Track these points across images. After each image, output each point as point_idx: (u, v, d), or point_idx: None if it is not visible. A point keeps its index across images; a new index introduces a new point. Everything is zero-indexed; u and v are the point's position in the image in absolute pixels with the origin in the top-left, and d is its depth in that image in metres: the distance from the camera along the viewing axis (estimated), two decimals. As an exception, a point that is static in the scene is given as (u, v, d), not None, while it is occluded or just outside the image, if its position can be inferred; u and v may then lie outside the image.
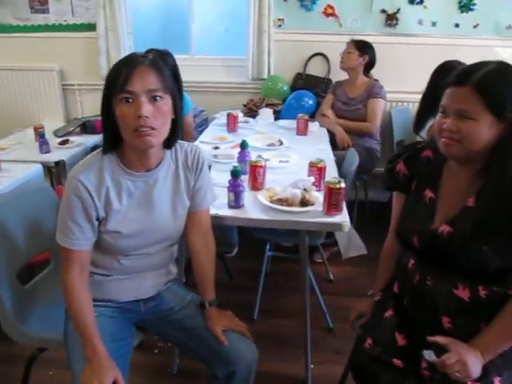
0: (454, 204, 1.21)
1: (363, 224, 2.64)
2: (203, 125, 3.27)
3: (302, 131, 2.70)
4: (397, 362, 1.22)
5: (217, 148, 2.31)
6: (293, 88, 3.40)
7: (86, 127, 3.26)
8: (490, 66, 1.12)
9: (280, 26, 3.42)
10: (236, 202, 1.63)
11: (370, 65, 3.05)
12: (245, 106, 3.23)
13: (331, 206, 1.56)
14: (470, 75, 1.11)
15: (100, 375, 1.15)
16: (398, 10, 3.31)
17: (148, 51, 2.53)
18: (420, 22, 3.35)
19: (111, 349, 1.23)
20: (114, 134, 1.19)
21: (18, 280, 1.46)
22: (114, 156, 1.25)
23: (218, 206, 1.64)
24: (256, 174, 1.78)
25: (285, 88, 3.37)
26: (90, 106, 3.68)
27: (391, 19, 3.34)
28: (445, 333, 1.20)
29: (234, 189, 1.62)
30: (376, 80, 3.10)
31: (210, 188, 1.43)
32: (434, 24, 3.35)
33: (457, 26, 3.34)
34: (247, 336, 1.40)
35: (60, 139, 3.08)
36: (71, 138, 3.20)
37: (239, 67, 3.51)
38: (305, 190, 1.70)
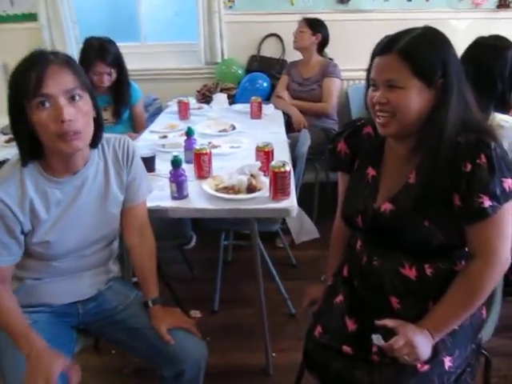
0: (396, 181, 1.17)
1: (327, 205, 2.60)
2: (157, 113, 3.14)
3: (255, 114, 2.63)
4: (346, 349, 1.18)
5: (164, 137, 2.22)
6: (248, 71, 3.32)
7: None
8: (415, 32, 1.08)
9: (231, 7, 3.31)
10: (179, 193, 1.56)
11: (323, 43, 2.99)
12: (198, 92, 3.13)
13: (277, 190, 1.51)
14: (395, 43, 1.06)
15: (45, 369, 1.07)
16: (350, -15, 3.25)
17: (88, 39, 2.44)
18: (372, -3, 3.29)
19: None
20: (31, 142, 1.10)
21: None
22: (35, 164, 1.16)
23: (161, 197, 1.57)
24: (201, 162, 1.71)
25: (239, 71, 3.29)
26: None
27: (344, -5, 3.27)
28: (394, 314, 1.17)
29: (176, 179, 1.55)
30: (330, 59, 3.05)
31: (144, 180, 1.35)
32: (386, -1, 3.30)
33: (409, 0, 3.31)
34: (195, 333, 1.34)
35: (6, 137, 2.92)
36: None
37: (191, 52, 3.40)
38: (252, 175, 1.64)
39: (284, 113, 2.86)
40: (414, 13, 3.32)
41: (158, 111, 3.21)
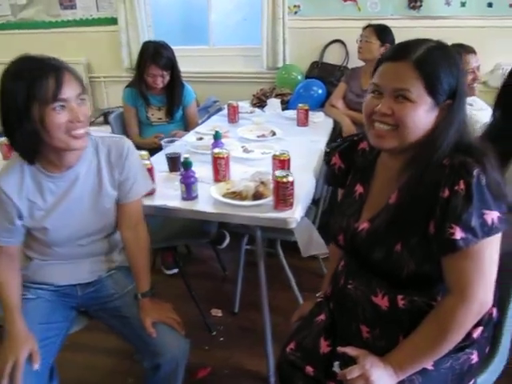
0: (380, 200, 1.10)
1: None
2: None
3: (302, 122, 2.60)
4: (309, 369, 1.15)
5: (201, 139, 2.29)
6: (308, 77, 3.29)
7: (107, 118, 3.38)
8: (431, 44, 1.00)
9: (296, 12, 3.30)
10: (187, 194, 1.61)
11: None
12: (254, 95, 3.17)
13: (279, 200, 1.49)
14: (411, 50, 0.99)
15: (15, 350, 1.21)
16: (423, -10, 3.07)
17: (145, 43, 2.61)
18: (447, 3, 3.08)
19: (39, 330, 1.29)
20: (34, 141, 1.19)
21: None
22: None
23: (174, 196, 1.64)
24: (217, 166, 1.74)
25: (299, 77, 3.27)
26: (115, 97, 3.79)
27: (415, 1, 3.10)
28: (364, 343, 1.11)
29: (185, 180, 1.60)
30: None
31: (140, 178, 1.42)
32: (463, 4, 3.06)
33: (489, 5, 3.03)
34: (178, 330, 1.38)
35: None
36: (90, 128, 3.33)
37: (255, 56, 3.45)
38: (262, 182, 1.64)
39: (337, 122, 2.79)
40: (496, 19, 3.05)
41: (218, 113, 3.32)
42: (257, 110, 2.99)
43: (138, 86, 2.62)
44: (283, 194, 1.48)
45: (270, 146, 2.20)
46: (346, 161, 1.24)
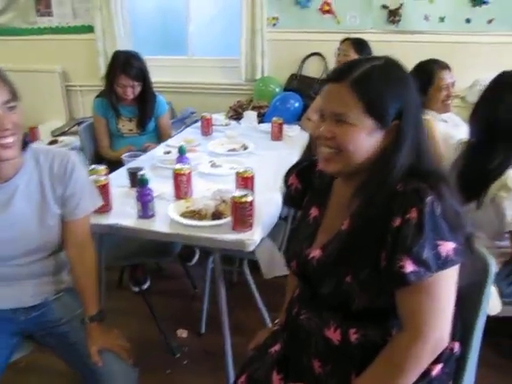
0: (334, 225, 1.03)
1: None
2: (193, 127, 3.20)
3: (275, 136, 2.54)
4: (256, 405, 1.07)
5: (168, 152, 2.22)
6: (286, 90, 3.24)
7: (82, 127, 3.30)
8: (374, 63, 0.94)
9: (275, 24, 3.27)
10: (144, 212, 1.53)
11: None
12: (231, 107, 3.12)
13: (237, 221, 1.42)
14: (350, 71, 0.93)
15: None
16: (401, 5, 3.05)
17: (115, 53, 2.54)
18: (426, 18, 3.06)
19: None
20: None
21: None
22: None
23: (128, 214, 1.56)
24: (179, 182, 1.67)
25: (277, 90, 3.22)
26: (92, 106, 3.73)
27: (394, 15, 3.08)
28: (315, 378, 1.03)
29: (141, 198, 1.52)
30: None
31: (87, 194, 1.34)
32: (441, 19, 3.05)
33: (468, 21, 3.02)
34: (125, 359, 1.30)
35: (50, 139, 3.15)
36: (63, 138, 3.26)
37: (234, 68, 3.40)
38: (224, 201, 1.57)
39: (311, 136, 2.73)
40: (474, 36, 3.03)
41: (193, 124, 3.26)
42: (233, 122, 2.93)
43: (108, 96, 2.54)
44: (241, 214, 1.41)
45: (240, 161, 2.13)
46: (303, 181, 1.18)
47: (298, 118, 2.93)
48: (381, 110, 0.91)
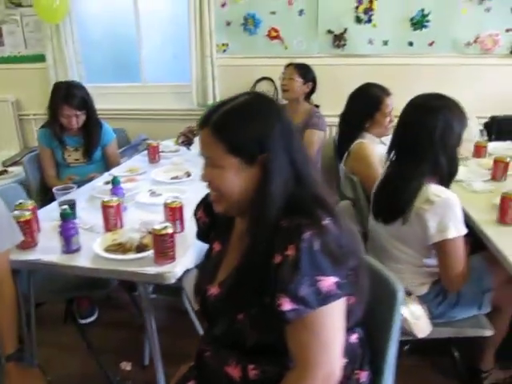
0: (232, 261, 1.04)
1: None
2: (145, 154, 3.19)
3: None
4: None
5: (108, 183, 2.20)
6: (238, 114, 3.27)
7: (33, 157, 3.26)
8: (233, 104, 0.96)
9: (225, 51, 3.32)
10: (67, 247, 1.51)
11: (312, 91, 2.87)
12: (180, 133, 3.12)
13: (158, 253, 1.41)
14: (210, 116, 0.95)
15: None
16: (345, 29, 3.14)
17: (56, 84, 2.54)
18: (370, 42, 3.16)
19: None
20: None
21: None
22: None
23: (53, 249, 1.53)
24: (107, 215, 1.66)
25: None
26: (46, 135, 3.70)
27: (339, 40, 3.17)
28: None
29: (64, 232, 1.50)
30: (317, 106, 2.92)
31: (4, 231, 1.31)
32: (385, 43, 3.15)
33: (410, 44, 3.13)
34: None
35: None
36: (13, 169, 3.21)
37: (186, 93, 3.43)
38: (149, 233, 1.56)
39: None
40: (416, 58, 3.14)
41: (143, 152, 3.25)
42: (183, 148, 2.93)
43: (52, 127, 2.53)
44: (162, 246, 1.40)
45: (181, 189, 2.13)
46: (210, 215, 1.18)
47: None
48: (242, 148, 0.93)
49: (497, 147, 2.74)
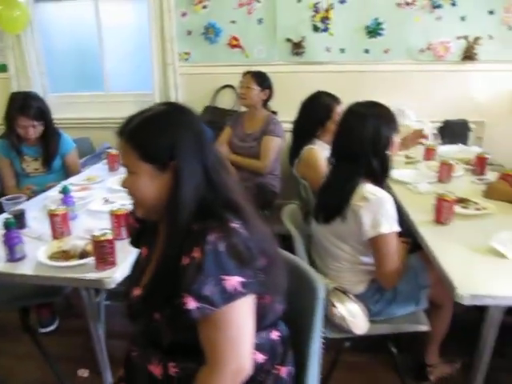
0: (156, 265, 1.08)
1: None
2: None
3: (180, 168, 2.59)
4: None
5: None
6: (201, 121, 3.32)
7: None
8: (147, 114, 1.02)
9: (187, 59, 3.37)
10: (11, 256, 1.54)
11: (269, 98, 2.94)
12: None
13: (99, 259, 1.45)
14: (126, 126, 1.01)
15: None
16: (303, 38, 3.22)
17: (13, 94, 2.55)
18: (328, 49, 3.24)
19: None
20: None
21: None
22: None
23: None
24: (54, 223, 1.69)
25: (191, 122, 3.29)
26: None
27: (297, 47, 3.24)
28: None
29: (8, 241, 1.53)
30: (274, 112, 2.99)
31: None
32: (342, 51, 3.23)
33: (367, 51, 3.22)
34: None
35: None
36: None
37: (149, 102, 3.41)
38: (93, 240, 1.59)
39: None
40: (373, 65, 3.23)
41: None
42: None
43: (9, 137, 2.54)
44: (101, 252, 1.44)
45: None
46: (140, 221, 1.22)
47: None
48: (153, 155, 0.98)
49: (448, 150, 2.85)
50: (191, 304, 0.89)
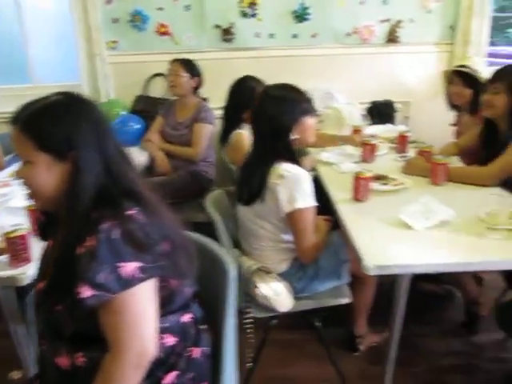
0: (55, 256, 1.07)
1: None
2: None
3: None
4: None
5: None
6: (133, 111, 3.27)
7: None
8: (43, 102, 0.99)
9: (115, 48, 3.28)
10: None
11: (199, 85, 2.92)
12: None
13: (12, 256, 1.41)
14: (20, 114, 0.98)
15: None
16: (232, 24, 3.22)
17: None
18: (257, 35, 3.26)
19: None
20: None
21: None
22: None
23: None
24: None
25: (122, 112, 3.23)
26: None
27: (227, 34, 3.24)
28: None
29: None
30: (204, 99, 2.98)
31: None
32: (271, 36, 3.27)
33: (295, 36, 3.28)
34: None
35: None
36: None
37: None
38: (9, 237, 1.54)
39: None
40: (301, 49, 3.29)
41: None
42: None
43: None
44: (14, 249, 1.40)
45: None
46: (45, 213, 1.20)
47: (139, 139, 2.96)
48: (51, 145, 0.96)
49: (377, 130, 2.96)
50: (86, 292, 0.90)
